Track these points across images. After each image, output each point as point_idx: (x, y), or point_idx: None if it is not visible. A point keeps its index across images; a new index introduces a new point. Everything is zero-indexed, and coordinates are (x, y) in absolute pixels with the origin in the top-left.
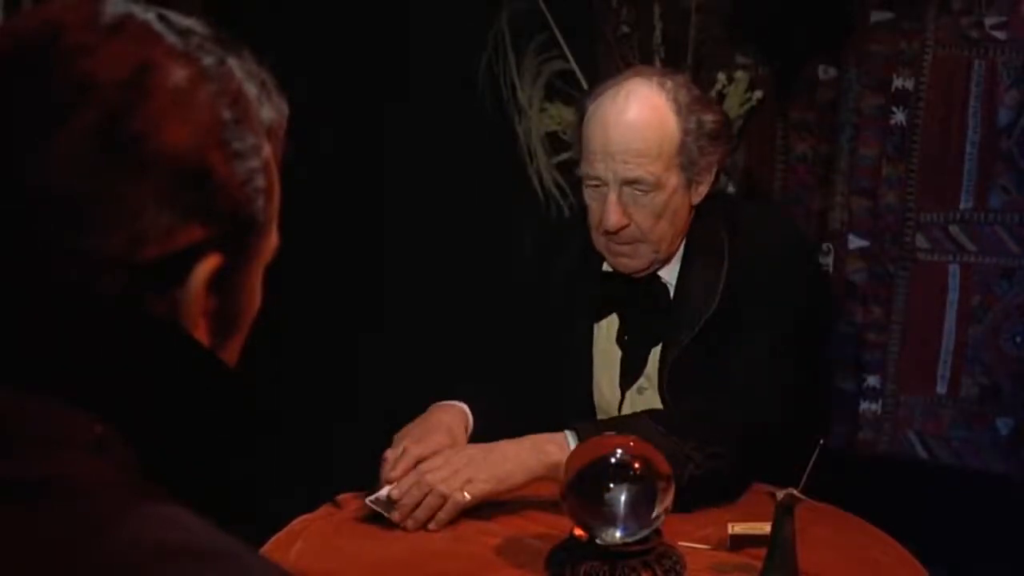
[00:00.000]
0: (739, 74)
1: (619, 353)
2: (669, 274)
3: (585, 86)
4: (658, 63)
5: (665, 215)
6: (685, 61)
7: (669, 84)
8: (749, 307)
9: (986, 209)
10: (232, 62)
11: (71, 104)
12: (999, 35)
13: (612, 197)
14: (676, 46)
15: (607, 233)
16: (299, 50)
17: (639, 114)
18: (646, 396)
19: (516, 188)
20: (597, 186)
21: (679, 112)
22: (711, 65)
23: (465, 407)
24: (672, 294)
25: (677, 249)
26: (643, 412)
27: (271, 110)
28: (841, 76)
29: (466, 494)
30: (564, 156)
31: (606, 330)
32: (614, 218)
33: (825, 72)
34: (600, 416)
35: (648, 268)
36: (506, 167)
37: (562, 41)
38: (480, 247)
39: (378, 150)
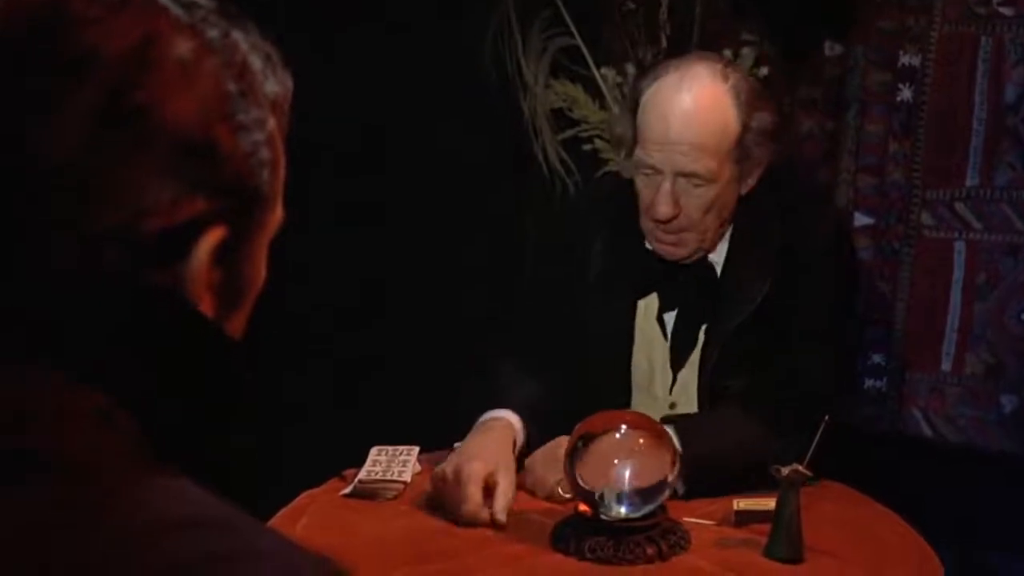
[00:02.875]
0: (745, 50)
1: (658, 331)
2: (716, 254)
3: (591, 62)
4: (664, 39)
5: (715, 207)
6: (691, 37)
7: (731, 76)
8: (804, 297)
9: (992, 186)
10: (237, 35)
11: (75, 76)
12: (1006, 11)
13: (666, 187)
14: (682, 22)
15: (655, 220)
16: (300, 26)
17: (701, 105)
18: (682, 375)
19: (521, 165)
20: (650, 175)
21: (740, 107)
22: (717, 41)
23: (513, 419)
24: (719, 275)
25: (724, 233)
26: (728, 405)
27: (276, 83)
28: (848, 52)
29: (562, 492)
30: (569, 133)
31: (645, 308)
32: (665, 208)
33: (831, 48)
34: (638, 394)
35: (691, 256)
36: (511, 144)
37: (567, 17)
38: (485, 225)
39: (380, 127)
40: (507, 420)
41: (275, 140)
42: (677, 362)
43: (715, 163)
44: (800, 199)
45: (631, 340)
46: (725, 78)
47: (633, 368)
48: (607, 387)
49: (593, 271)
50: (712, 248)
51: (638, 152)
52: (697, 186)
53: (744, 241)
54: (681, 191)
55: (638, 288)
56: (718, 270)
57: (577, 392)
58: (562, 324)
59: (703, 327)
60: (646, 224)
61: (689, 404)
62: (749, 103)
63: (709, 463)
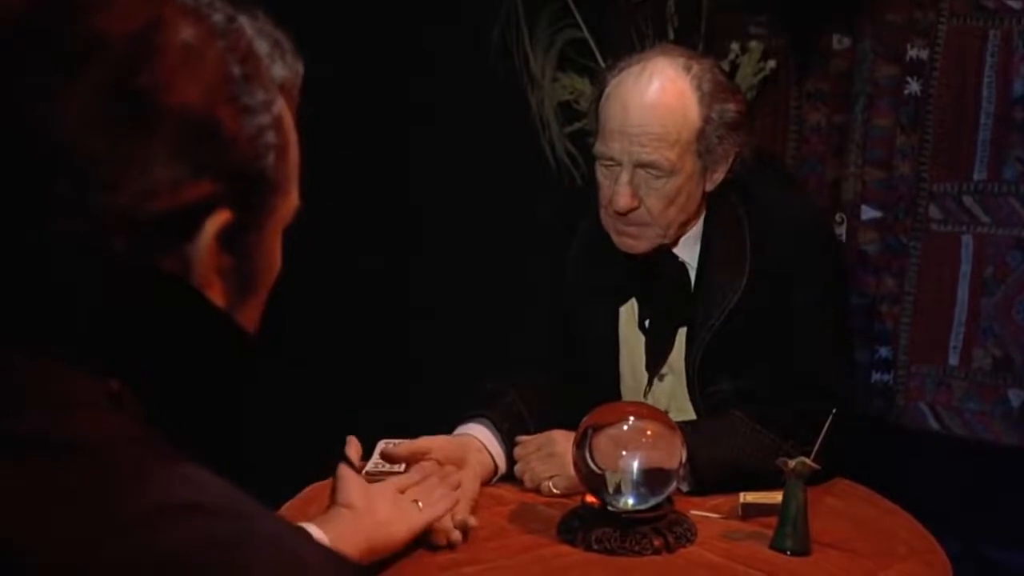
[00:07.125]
0: (752, 44)
1: (641, 337)
2: (688, 255)
3: (598, 56)
4: (671, 32)
5: (676, 201)
6: (698, 31)
7: (695, 68)
8: (789, 286)
9: (1000, 180)
10: (243, 20)
11: (82, 59)
12: (1014, 5)
13: (624, 178)
14: (689, 15)
15: (616, 213)
16: (313, 22)
17: (661, 96)
18: (667, 381)
19: (528, 158)
20: (610, 166)
21: (702, 99)
22: (724, 35)
23: (484, 437)
24: (693, 275)
25: (688, 230)
26: (733, 410)
27: (284, 68)
28: (855, 46)
29: (553, 487)
30: (576, 126)
31: (627, 314)
32: (623, 200)
33: (839, 42)
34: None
35: (651, 250)
36: (518, 137)
37: (575, 10)
38: (491, 219)
39: (381, 124)
40: (474, 433)
41: (283, 124)
42: (652, 366)
43: (674, 154)
44: (769, 195)
45: (616, 348)
46: (688, 70)
47: (621, 376)
48: (595, 395)
49: (570, 282)
50: (675, 242)
51: (598, 144)
52: (657, 177)
53: (715, 241)
54: (640, 183)
55: (616, 295)
56: (692, 272)
57: (568, 399)
58: (554, 330)
59: (683, 330)
60: (606, 219)
61: (681, 409)
62: (712, 95)
63: (718, 474)
